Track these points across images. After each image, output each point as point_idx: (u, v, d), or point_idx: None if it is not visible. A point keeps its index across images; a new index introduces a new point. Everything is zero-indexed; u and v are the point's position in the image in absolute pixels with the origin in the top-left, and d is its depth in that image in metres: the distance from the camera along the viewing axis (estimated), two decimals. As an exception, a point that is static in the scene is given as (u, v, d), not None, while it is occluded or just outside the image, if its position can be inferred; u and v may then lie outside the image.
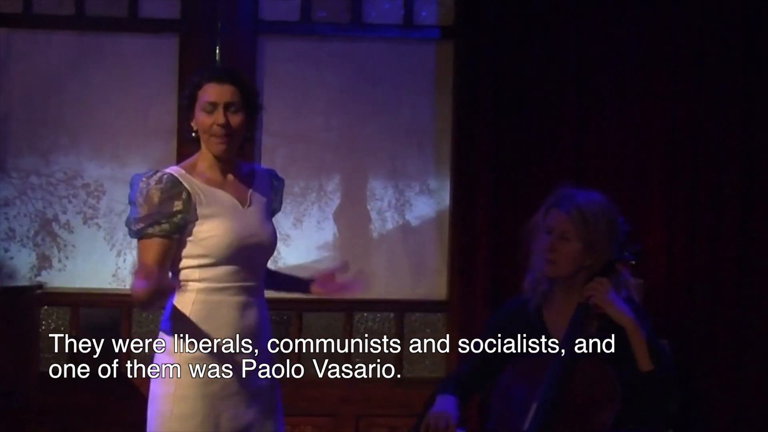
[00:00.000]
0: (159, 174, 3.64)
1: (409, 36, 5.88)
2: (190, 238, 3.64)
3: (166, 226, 3.59)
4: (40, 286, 5.59)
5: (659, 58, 5.71)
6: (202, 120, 3.67)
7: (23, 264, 5.76)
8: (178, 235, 3.62)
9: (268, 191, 3.80)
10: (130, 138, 5.78)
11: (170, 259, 3.63)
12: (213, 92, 3.67)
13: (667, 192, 5.70)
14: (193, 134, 3.73)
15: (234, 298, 3.65)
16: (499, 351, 3.69)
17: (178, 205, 3.60)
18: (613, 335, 3.55)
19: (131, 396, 5.59)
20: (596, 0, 5.69)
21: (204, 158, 3.72)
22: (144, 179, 3.63)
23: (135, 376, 5.67)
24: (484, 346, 3.72)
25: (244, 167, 3.80)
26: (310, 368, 5.85)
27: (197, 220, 3.62)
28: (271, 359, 3.76)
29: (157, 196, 3.59)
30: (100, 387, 5.66)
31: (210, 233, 3.63)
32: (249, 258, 3.66)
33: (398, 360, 5.85)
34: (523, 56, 5.65)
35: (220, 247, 3.62)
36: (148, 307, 3.77)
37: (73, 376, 5.72)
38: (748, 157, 5.70)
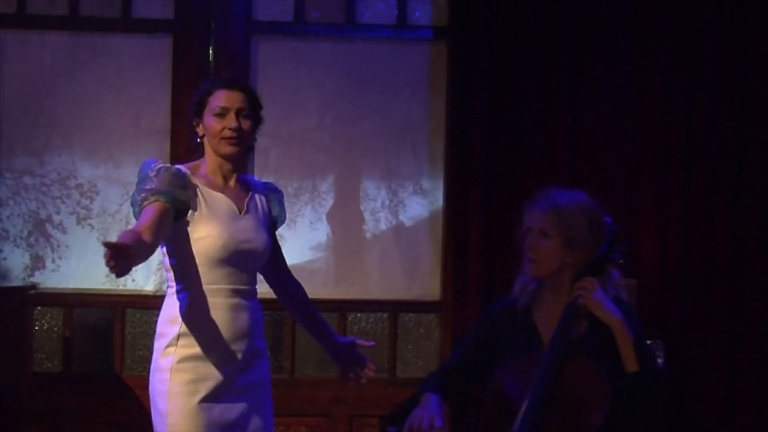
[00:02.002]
0: (170, 165, 3.74)
1: (402, 36, 5.88)
2: (186, 237, 3.69)
3: (169, 197, 3.61)
4: (34, 286, 5.58)
5: (653, 60, 5.72)
6: (212, 124, 3.74)
7: (17, 264, 5.76)
8: (175, 212, 3.62)
9: (266, 203, 3.87)
10: (124, 138, 5.78)
11: (165, 227, 3.61)
12: (224, 98, 3.75)
13: (661, 193, 5.71)
14: (199, 140, 3.80)
15: (226, 300, 3.71)
16: (489, 350, 3.70)
17: (184, 194, 3.67)
18: (602, 335, 3.55)
19: (124, 396, 5.59)
20: (589, 1, 5.69)
21: (207, 163, 3.79)
22: (156, 162, 3.72)
23: (128, 376, 5.67)
24: (473, 344, 3.73)
25: (243, 177, 3.87)
26: (303, 368, 5.85)
27: (197, 213, 3.68)
28: (264, 359, 3.82)
29: (168, 177, 3.66)
30: (93, 387, 5.67)
31: (205, 233, 3.69)
32: (242, 262, 3.72)
33: (392, 360, 5.85)
34: (516, 57, 5.65)
35: (214, 248, 3.69)
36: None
37: (66, 376, 5.73)
38: (741, 157, 5.71)
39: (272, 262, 3.90)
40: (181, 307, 3.72)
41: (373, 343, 4.05)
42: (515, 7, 5.64)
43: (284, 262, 3.97)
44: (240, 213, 3.75)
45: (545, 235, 3.61)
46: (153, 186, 3.64)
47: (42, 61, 5.77)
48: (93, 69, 5.77)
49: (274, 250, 3.89)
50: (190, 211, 3.69)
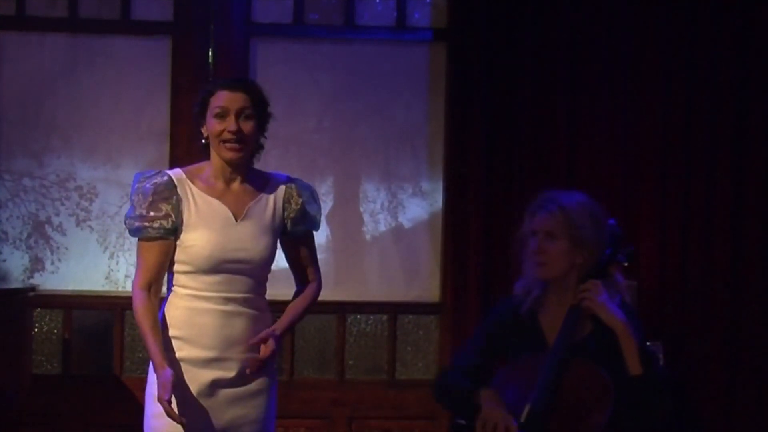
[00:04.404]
0: (157, 175, 3.72)
1: (401, 38, 5.88)
2: (178, 243, 3.69)
3: (160, 228, 3.65)
4: (33, 288, 5.58)
5: (652, 63, 5.71)
6: (213, 126, 3.68)
7: (16, 266, 5.76)
8: (173, 237, 3.67)
9: (278, 204, 3.77)
10: (123, 140, 5.78)
11: (168, 260, 3.69)
12: (225, 98, 3.69)
13: (660, 195, 5.70)
14: (204, 140, 3.75)
15: (218, 306, 3.67)
16: (497, 351, 3.71)
17: (166, 209, 3.66)
18: (605, 337, 3.55)
19: (123, 398, 5.59)
20: (588, 3, 5.69)
21: (211, 165, 3.75)
22: (142, 178, 3.71)
23: (127, 378, 5.67)
24: (486, 344, 3.72)
25: (258, 177, 3.80)
26: (302, 370, 5.85)
27: (183, 225, 3.67)
28: (268, 368, 3.77)
29: (148, 197, 3.66)
30: (93, 389, 5.66)
31: (193, 242, 3.67)
32: (235, 270, 3.67)
33: (391, 362, 5.85)
34: (515, 58, 5.65)
35: (200, 257, 3.66)
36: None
37: (66, 377, 5.73)
38: (740, 160, 5.71)
39: (291, 263, 3.86)
40: (170, 310, 3.70)
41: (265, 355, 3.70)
42: (514, 8, 5.64)
43: (304, 264, 3.88)
44: (237, 220, 3.69)
45: (552, 236, 3.61)
46: (136, 213, 3.67)
47: (41, 62, 5.77)
48: (92, 71, 5.77)
49: (291, 252, 3.83)
50: (182, 219, 3.67)
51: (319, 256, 3.78)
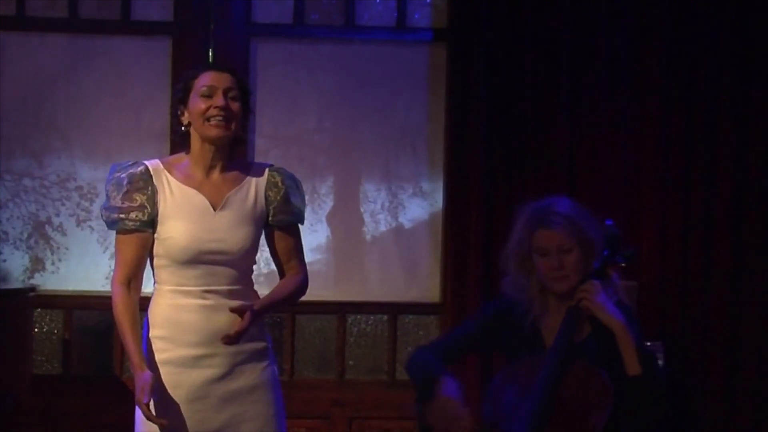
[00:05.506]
0: (133, 165, 3.63)
1: (401, 38, 5.88)
2: (156, 236, 3.61)
3: (136, 221, 3.57)
4: (33, 288, 5.58)
5: (653, 63, 5.71)
6: (198, 105, 3.59)
7: (16, 266, 5.76)
8: (150, 229, 3.59)
9: (260, 192, 3.67)
10: (123, 140, 5.78)
11: (146, 254, 3.61)
12: (212, 78, 3.62)
13: (660, 195, 5.70)
14: (183, 128, 3.66)
15: (200, 301, 3.57)
16: (488, 345, 3.72)
17: (141, 199, 3.58)
18: (604, 338, 3.55)
19: (123, 399, 5.58)
20: (589, 4, 5.69)
21: (190, 154, 3.66)
22: (118, 168, 3.64)
23: (128, 378, 5.67)
24: (474, 333, 3.73)
25: (239, 166, 3.70)
26: (303, 370, 5.85)
27: (159, 216, 3.58)
28: (260, 363, 3.68)
29: (123, 188, 3.58)
30: (93, 389, 5.66)
31: (169, 234, 3.58)
32: (214, 262, 3.57)
33: (391, 362, 5.85)
34: (515, 59, 5.64)
35: (176, 248, 3.56)
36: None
37: (66, 378, 5.73)
38: (741, 160, 5.70)
39: (273, 255, 3.74)
40: (154, 308, 3.62)
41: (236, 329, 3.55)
42: (515, 9, 5.64)
43: (287, 257, 3.72)
44: (215, 209, 3.59)
45: (565, 250, 3.60)
46: (109, 204, 3.59)
47: (41, 63, 5.77)
48: (92, 71, 5.77)
49: (274, 244, 3.71)
50: (158, 211, 3.59)
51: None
